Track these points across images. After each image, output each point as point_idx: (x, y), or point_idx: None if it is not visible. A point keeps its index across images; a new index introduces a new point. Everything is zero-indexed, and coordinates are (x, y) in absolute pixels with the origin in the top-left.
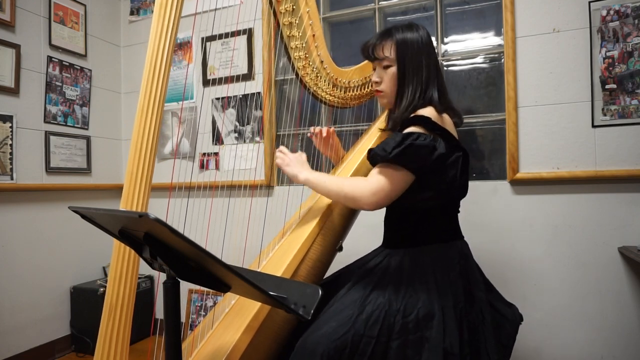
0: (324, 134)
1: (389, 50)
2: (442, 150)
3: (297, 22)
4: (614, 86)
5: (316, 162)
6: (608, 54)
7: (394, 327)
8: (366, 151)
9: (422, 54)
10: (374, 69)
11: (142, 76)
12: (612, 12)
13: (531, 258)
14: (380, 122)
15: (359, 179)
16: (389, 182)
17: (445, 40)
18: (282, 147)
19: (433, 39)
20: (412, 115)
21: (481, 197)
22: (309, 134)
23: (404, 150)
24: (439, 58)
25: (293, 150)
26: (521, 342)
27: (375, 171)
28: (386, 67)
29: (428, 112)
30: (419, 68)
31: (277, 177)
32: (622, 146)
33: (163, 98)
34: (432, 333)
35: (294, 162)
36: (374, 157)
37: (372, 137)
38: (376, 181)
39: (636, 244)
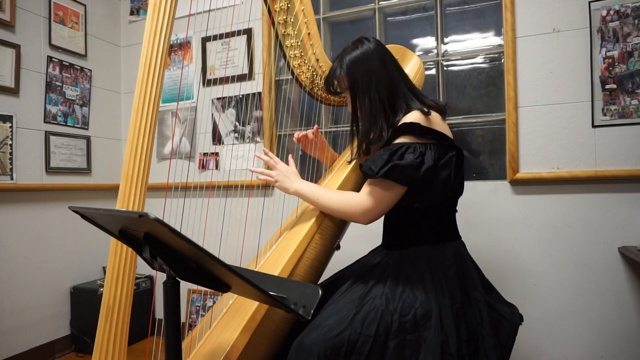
0: (310, 137)
1: (343, 81)
2: (430, 163)
3: (292, 20)
4: (614, 86)
5: (315, 162)
6: (608, 54)
7: (391, 327)
8: (349, 168)
9: (373, 67)
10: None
11: None
12: (612, 12)
13: (531, 258)
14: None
15: (351, 196)
16: (379, 201)
17: (445, 40)
18: (269, 158)
19: (432, 39)
20: (399, 123)
21: (481, 197)
22: (295, 139)
23: (389, 171)
24: (439, 58)
25: (290, 151)
26: (521, 342)
27: (366, 189)
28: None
29: (414, 117)
30: (371, 84)
31: None
32: (622, 146)
33: (158, 98)
34: (430, 333)
35: (281, 175)
36: (364, 174)
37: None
38: (367, 200)
39: (636, 244)
